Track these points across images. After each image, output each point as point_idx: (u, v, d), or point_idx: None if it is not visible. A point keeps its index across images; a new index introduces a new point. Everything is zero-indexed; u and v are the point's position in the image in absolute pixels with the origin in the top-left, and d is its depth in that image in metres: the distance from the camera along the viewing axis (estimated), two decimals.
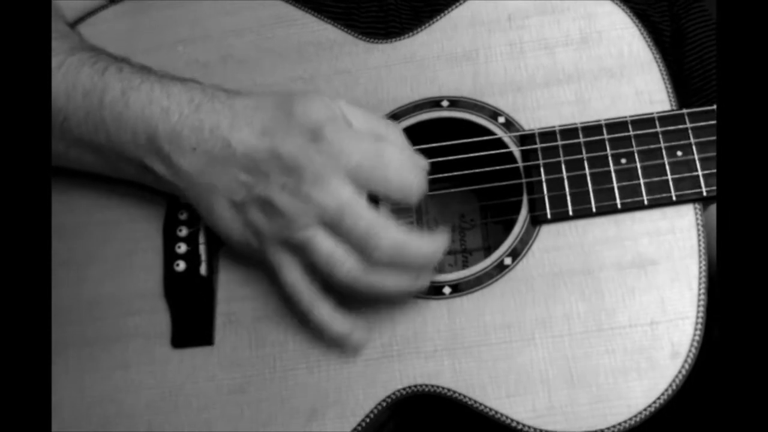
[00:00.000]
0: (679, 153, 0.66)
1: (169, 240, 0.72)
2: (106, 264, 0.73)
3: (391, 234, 0.60)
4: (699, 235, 0.65)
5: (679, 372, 0.61)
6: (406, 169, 0.62)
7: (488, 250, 0.79)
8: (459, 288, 0.66)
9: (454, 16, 0.76)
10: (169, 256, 0.71)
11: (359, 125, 0.64)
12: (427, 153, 0.71)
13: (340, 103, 0.64)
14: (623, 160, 0.67)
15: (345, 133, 0.62)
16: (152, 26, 0.81)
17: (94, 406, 0.69)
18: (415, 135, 0.72)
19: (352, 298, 0.65)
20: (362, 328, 0.65)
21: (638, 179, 0.66)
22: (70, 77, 0.68)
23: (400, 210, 0.82)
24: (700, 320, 0.62)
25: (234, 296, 0.70)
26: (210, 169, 0.64)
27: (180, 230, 0.72)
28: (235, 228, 0.65)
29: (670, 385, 0.61)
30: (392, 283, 0.62)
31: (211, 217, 0.66)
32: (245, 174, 0.63)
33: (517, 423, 0.62)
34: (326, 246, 0.61)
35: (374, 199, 0.68)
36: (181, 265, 0.71)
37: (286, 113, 0.63)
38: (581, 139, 0.68)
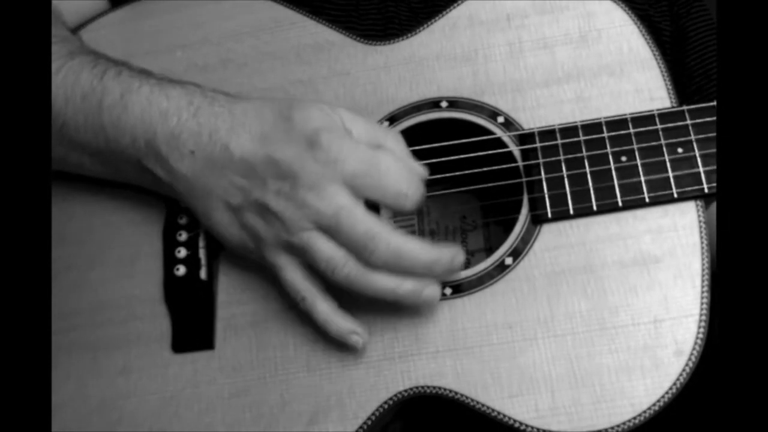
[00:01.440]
0: (680, 150, 0.66)
1: (169, 244, 0.72)
2: (107, 269, 0.73)
3: (388, 237, 0.60)
4: (701, 231, 0.64)
5: (684, 370, 0.61)
6: (402, 178, 0.62)
7: (490, 252, 0.78)
8: (460, 288, 0.66)
9: (453, 16, 0.75)
10: (170, 261, 0.71)
11: (358, 133, 0.64)
12: (426, 153, 0.71)
13: (340, 111, 0.64)
14: (624, 158, 0.66)
15: (342, 141, 0.62)
16: (152, 31, 0.81)
17: (96, 412, 0.68)
18: (415, 136, 0.72)
19: (353, 302, 0.65)
20: (363, 329, 0.64)
21: (639, 177, 0.65)
22: (69, 81, 0.69)
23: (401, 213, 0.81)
24: (704, 317, 0.62)
25: (234, 300, 0.70)
26: (208, 172, 0.64)
27: (180, 234, 0.72)
28: (233, 231, 0.65)
29: (675, 384, 0.60)
30: (392, 287, 0.62)
31: (209, 221, 0.66)
32: (242, 179, 0.63)
33: (520, 423, 0.61)
34: (325, 249, 0.61)
35: (375, 207, 0.68)
36: (181, 270, 0.70)
37: (284, 120, 0.63)
38: (581, 138, 0.67)
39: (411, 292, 0.62)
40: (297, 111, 0.63)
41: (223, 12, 0.80)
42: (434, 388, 0.64)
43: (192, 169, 0.65)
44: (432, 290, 0.63)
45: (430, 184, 0.76)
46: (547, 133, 0.68)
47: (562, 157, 0.67)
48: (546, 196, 0.66)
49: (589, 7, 0.73)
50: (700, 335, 0.61)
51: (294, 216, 0.61)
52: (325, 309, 0.64)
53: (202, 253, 0.71)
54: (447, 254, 0.62)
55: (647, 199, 0.65)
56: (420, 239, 0.62)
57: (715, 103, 0.67)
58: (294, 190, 0.61)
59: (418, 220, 0.81)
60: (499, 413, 0.62)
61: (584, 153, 0.67)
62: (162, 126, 0.65)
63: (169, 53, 0.80)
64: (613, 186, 0.66)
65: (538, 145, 0.68)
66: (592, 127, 0.68)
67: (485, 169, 0.70)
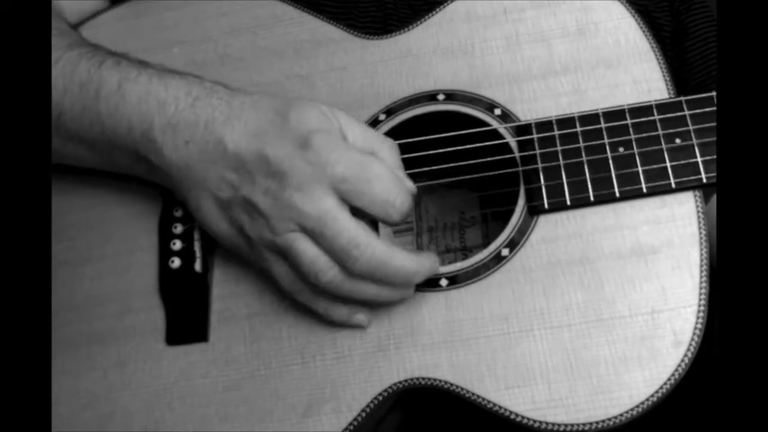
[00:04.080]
0: (678, 140, 0.65)
1: (165, 237, 0.71)
2: (102, 262, 0.72)
3: (371, 248, 0.60)
4: (700, 222, 0.63)
5: (682, 361, 0.60)
6: (391, 187, 0.61)
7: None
8: (456, 280, 0.65)
9: (450, 10, 0.75)
10: (165, 253, 0.71)
11: (354, 138, 0.63)
12: (423, 145, 0.71)
13: (338, 114, 0.64)
14: (621, 149, 0.66)
15: (334, 144, 0.61)
16: (151, 28, 0.82)
17: (91, 405, 0.68)
18: (412, 129, 0.72)
19: None
20: (361, 311, 0.65)
21: (636, 167, 0.65)
22: (68, 71, 0.69)
23: None
24: (702, 308, 0.61)
25: (229, 293, 0.69)
26: (200, 164, 0.64)
27: (175, 227, 0.71)
28: (222, 227, 0.65)
29: (673, 375, 0.59)
30: (373, 294, 0.62)
31: (200, 213, 0.65)
32: (232, 173, 0.62)
33: (516, 415, 0.61)
34: (309, 253, 0.61)
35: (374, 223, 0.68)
36: (176, 262, 0.70)
37: (281, 118, 0.62)
38: (578, 129, 0.67)
39: (391, 296, 0.63)
40: (294, 110, 0.63)
41: (222, 9, 0.81)
42: (429, 379, 0.63)
43: (185, 159, 0.64)
44: (408, 292, 0.64)
45: (426, 175, 0.76)
46: (544, 125, 0.68)
47: (559, 148, 0.67)
48: (543, 186, 0.66)
49: (586, 0, 0.73)
50: (699, 326, 0.61)
51: (279, 216, 0.61)
52: (322, 305, 0.64)
53: (197, 246, 0.70)
54: (427, 264, 0.63)
55: (645, 190, 0.64)
56: (402, 248, 0.62)
57: (713, 93, 0.66)
58: (281, 190, 0.60)
59: (416, 217, 0.81)
60: (495, 405, 0.61)
61: (581, 144, 0.66)
62: (159, 116, 0.65)
63: (167, 50, 0.80)
64: (611, 176, 0.65)
65: (534, 136, 0.68)
66: (589, 118, 0.67)
67: (482, 160, 0.69)
